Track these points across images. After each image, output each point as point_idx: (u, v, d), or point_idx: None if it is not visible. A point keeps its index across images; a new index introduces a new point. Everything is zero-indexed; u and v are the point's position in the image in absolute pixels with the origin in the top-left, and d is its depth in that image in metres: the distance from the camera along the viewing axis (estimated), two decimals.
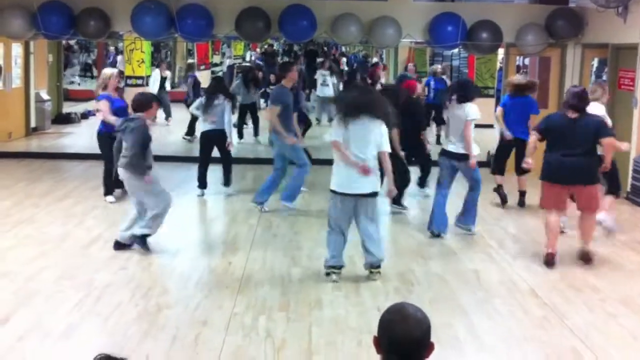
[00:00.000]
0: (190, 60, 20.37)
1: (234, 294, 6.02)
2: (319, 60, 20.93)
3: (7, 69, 13.79)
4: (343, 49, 33.24)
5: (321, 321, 5.49)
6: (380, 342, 2.46)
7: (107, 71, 9.57)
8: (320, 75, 17.47)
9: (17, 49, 14.20)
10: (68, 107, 17.90)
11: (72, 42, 25.82)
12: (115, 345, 4.85)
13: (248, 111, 14.74)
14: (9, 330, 5.14)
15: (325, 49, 33.04)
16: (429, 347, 2.45)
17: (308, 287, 6.26)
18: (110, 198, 9.18)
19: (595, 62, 12.14)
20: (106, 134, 8.94)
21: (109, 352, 2.08)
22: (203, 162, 9.78)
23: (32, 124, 15.01)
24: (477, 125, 8.04)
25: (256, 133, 14.77)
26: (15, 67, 14.28)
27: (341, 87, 17.85)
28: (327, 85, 17.51)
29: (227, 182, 9.95)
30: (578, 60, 11.77)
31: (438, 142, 14.22)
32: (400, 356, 2.40)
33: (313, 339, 5.13)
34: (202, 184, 9.73)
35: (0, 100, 13.49)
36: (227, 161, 9.93)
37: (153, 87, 16.28)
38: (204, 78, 21.70)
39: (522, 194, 9.54)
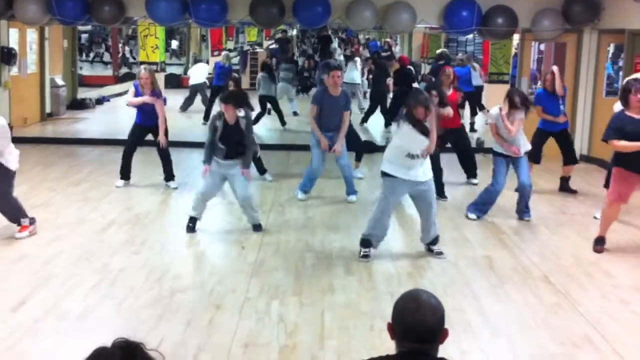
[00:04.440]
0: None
1: (248, 278, 6.06)
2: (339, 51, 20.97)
3: (22, 55, 13.87)
4: (361, 37, 33.01)
5: (334, 306, 5.52)
6: (395, 329, 2.47)
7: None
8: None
9: (32, 34, 14.28)
10: (83, 93, 17.98)
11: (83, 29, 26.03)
12: (130, 329, 4.90)
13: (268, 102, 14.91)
14: (26, 313, 5.21)
15: (343, 36, 32.82)
16: (443, 333, 2.46)
17: (321, 272, 6.29)
18: (120, 183, 9.33)
19: (611, 48, 12.05)
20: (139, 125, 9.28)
21: (126, 336, 2.10)
22: None
23: (47, 110, 15.11)
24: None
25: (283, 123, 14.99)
26: (31, 53, 14.36)
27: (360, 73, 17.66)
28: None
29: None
30: (594, 46, 11.68)
31: (472, 129, 14.26)
32: (415, 342, 2.42)
33: (326, 324, 5.16)
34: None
35: (15, 85, 13.57)
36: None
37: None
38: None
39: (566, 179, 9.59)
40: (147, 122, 9.19)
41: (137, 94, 9.12)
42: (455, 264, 6.61)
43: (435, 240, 6.82)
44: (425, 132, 6.38)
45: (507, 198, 8.98)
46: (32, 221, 7.14)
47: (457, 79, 10.05)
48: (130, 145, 9.36)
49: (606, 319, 5.40)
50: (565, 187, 9.61)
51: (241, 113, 7.25)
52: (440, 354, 2.47)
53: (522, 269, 6.53)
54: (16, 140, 12.14)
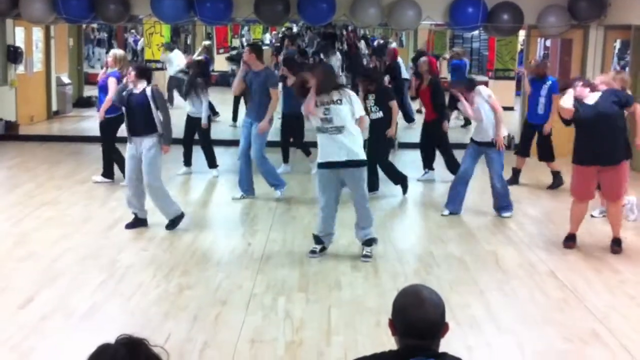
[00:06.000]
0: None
1: (254, 274, 6.07)
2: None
3: (28, 53, 13.90)
4: (362, 32, 32.97)
5: (340, 302, 5.53)
6: (396, 325, 2.47)
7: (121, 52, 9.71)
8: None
9: (37, 33, 14.31)
10: (89, 91, 18.01)
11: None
12: (137, 326, 4.92)
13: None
14: (33, 311, 5.22)
15: (344, 32, 32.75)
16: (444, 328, 2.47)
17: (327, 269, 6.30)
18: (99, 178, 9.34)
19: (617, 44, 12.00)
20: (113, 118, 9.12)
21: (130, 333, 2.11)
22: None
23: (54, 108, 15.15)
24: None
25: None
26: (36, 51, 14.40)
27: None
28: None
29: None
30: (600, 42, 11.64)
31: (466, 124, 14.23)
32: (417, 338, 2.42)
33: (332, 320, 5.17)
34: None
35: (22, 84, 13.61)
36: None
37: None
38: (223, 62, 21.73)
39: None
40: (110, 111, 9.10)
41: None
42: (461, 260, 6.61)
43: (368, 242, 6.58)
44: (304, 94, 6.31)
45: (514, 193, 8.96)
46: None
47: (436, 69, 10.46)
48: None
49: (613, 314, 5.39)
50: (515, 179, 9.66)
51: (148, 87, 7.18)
52: (446, 349, 2.47)
53: (528, 264, 6.52)
54: (23, 139, 12.29)
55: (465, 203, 8.28)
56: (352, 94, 6.42)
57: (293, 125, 10.22)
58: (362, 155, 6.42)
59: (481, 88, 8.03)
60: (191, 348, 4.67)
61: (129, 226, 7.30)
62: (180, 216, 7.32)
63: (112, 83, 8.89)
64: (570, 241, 7.01)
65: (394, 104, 8.81)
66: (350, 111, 6.28)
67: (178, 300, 5.49)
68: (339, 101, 6.28)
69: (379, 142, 8.81)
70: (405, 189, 8.96)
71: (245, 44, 26.73)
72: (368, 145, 8.86)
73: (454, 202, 8.11)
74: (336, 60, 17.31)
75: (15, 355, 4.54)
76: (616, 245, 6.88)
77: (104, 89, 9.06)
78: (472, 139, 8.15)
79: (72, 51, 16.70)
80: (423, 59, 10.40)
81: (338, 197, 6.61)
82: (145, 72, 7.35)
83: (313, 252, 6.62)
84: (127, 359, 2.01)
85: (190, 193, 9.48)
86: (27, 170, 10.08)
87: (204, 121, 9.76)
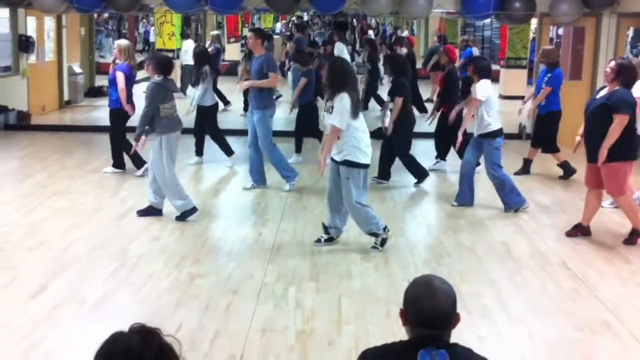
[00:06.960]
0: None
1: (265, 264, 6.09)
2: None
3: (40, 43, 13.94)
4: (373, 21, 32.94)
5: (350, 292, 5.53)
6: (408, 315, 2.47)
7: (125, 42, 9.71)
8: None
9: (49, 22, 14.35)
10: (100, 81, 18.05)
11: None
12: (149, 315, 4.94)
13: None
14: (45, 299, 5.26)
15: (355, 21, 32.70)
16: (455, 318, 2.46)
17: (337, 259, 6.30)
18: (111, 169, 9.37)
19: (630, 32, 11.89)
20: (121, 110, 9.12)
21: (143, 322, 2.12)
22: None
23: (65, 97, 15.20)
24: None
25: None
26: (48, 41, 14.44)
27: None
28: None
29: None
30: (613, 30, 11.54)
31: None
32: (429, 328, 2.42)
33: (343, 310, 5.18)
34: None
35: (33, 73, 13.66)
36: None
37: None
38: (234, 51, 21.77)
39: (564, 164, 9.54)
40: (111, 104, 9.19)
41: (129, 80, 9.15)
42: (472, 250, 6.59)
43: (372, 235, 6.49)
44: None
45: (521, 183, 8.93)
46: None
47: (454, 58, 10.46)
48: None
49: (624, 304, 5.37)
50: (526, 169, 9.70)
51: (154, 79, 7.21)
52: (457, 340, 2.47)
53: (539, 254, 6.50)
54: (35, 128, 12.34)
55: (478, 193, 8.24)
56: (342, 101, 6.14)
57: (307, 116, 10.23)
58: (343, 157, 6.29)
59: (478, 85, 7.80)
60: (202, 337, 4.69)
61: (141, 213, 7.36)
62: (189, 211, 7.25)
63: (120, 76, 8.91)
64: (573, 230, 7.00)
65: (397, 100, 8.61)
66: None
67: (189, 289, 5.51)
68: (330, 109, 6.27)
69: (396, 135, 8.77)
70: (420, 182, 8.93)
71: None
72: (386, 136, 8.86)
73: (461, 195, 8.07)
74: (342, 48, 17.29)
75: (26, 345, 4.57)
76: (630, 236, 6.83)
77: (113, 83, 9.05)
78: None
79: (84, 41, 16.73)
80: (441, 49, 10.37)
81: (337, 190, 6.48)
82: (157, 66, 7.24)
83: (318, 241, 6.64)
84: (140, 346, 2.02)
85: (202, 183, 9.51)
86: (39, 160, 10.13)
87: (190, 107, 9.85)
